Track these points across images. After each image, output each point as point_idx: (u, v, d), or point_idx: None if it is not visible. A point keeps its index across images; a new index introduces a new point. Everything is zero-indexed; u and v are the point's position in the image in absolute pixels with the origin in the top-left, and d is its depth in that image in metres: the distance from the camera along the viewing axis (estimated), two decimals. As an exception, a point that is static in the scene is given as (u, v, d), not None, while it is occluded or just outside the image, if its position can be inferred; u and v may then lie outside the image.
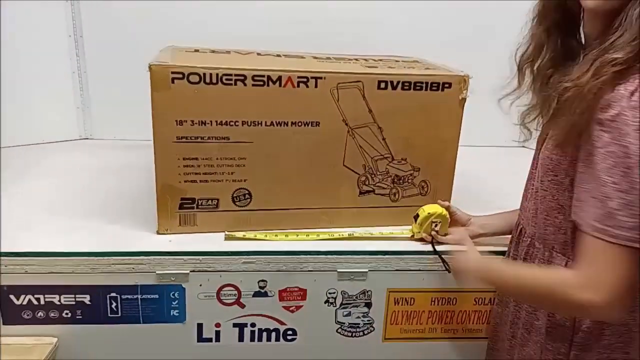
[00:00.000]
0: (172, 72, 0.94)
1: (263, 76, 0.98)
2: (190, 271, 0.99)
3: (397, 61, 1.20)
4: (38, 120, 1.58)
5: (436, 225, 1.03)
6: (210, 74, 0.95)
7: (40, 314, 0.99)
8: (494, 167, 1.58)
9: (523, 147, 1.79)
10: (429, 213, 1.03)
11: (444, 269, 1.00)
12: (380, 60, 1.19)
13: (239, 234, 1.05)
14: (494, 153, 1.71)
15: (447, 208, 1.04)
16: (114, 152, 1.56)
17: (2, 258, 0.94)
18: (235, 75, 0.97)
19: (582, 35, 0.78)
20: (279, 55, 1.15)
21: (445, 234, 1.05)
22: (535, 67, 0.80)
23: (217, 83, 0.96)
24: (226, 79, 0.96)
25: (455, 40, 1.62)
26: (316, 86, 1.00)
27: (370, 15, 1.60)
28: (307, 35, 1.53)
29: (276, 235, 1.06)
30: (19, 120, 1.53)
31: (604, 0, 0.66)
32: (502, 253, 0.99)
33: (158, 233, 1.04)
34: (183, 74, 0.95)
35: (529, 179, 0.88)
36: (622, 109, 0.62)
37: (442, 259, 1.00)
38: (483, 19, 1.62)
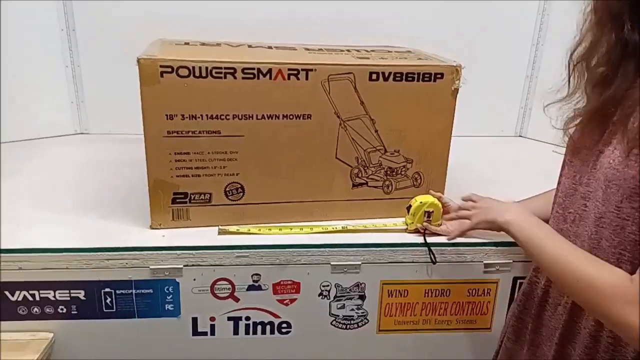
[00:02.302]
0: (161, 66, 0.93)
1: (253, 69, 0.97)
2: (184, 266, 0.99)
3: (389, 52, 1.18)
4: (33, 116, 1.57)
5: (429, 216, 1.03)
6: (200, 67, 0.95)
7: (36, 309, 0.99)
8: (488, 157, 1.58)
9: (520, 136, 1.81)
10: (421, 202, 1.03)
11: (438, 261, 1.01)
12: (373, 51, 1.18)
13: (232, 228, 1.05)
14: (489, 142, 1.71)
15: (439, 199, 1.04)
16: (109, 146, 1.56)
17: (-4, 255, 0.95)
18: (225, 68, 0.96)
19: None
20: (270, 47, 1.14)
21: (440, 224, 1.05)
22: (589, 67, 0.69)
23: (206, 76, 0.95)
24: (216, 72, 0.96)
25: (450, 28, 1.62)
26: (307, 78, 1.00)
27: (369, 7, 1.59)
28: (302, 25, 1.52)
29: (270, 230, 1.06)
30: (14, 115, 1.52)
31: None
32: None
33: (151, 228, 1.04)
34: (172, 67, 0.94)
35: (571, 196, 0.74)
36: None
37: (430, 250, 1.00)
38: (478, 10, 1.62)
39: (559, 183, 0.79)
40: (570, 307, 0.74)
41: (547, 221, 0.81)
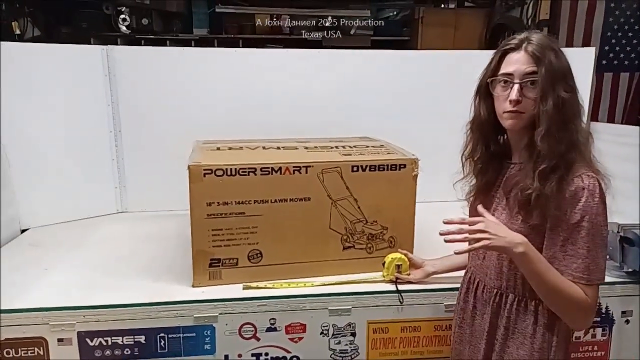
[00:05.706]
0: (204, 169, 1.32)
1: (268, 167, 1.36)
2: (219, 314, 1.33)
3: (367, 147, 1.59)
4: (84, 200, 1.95)
5: (399, 268, 1.39)
6: (231, 169, 1.34)
7: (108, 352, 1.31)
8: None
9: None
10: (392, 258, 1.39)
11: (410, 304, 1.36)
12: (355, 146, 1.58)
13: (254, 284, 1.40)
14: (448, 207, 2.05)
15: (406, 255, 1.40)
16: (145, 222, 1.92)
17: (81, 310, 1.28)
18: (248, 168, 1.35)
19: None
20: (278, 148, 1.54)
21: (408, 274, 1.40)
22: (472, 161, 1.11)
23: (235, 175, 1.34)
24: (242, 171, 1.35)
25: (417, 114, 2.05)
26: (307, 172, 1.39)
27: (351, 103, 2.04)
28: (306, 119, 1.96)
29: (282, 284, 1.40)
30: (70, 200, 1.91)
31: (515, 121, 1.00)
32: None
33: (193, 286, 1.39)
34: (211, 169, 1.33)
35: None
36: (585, 199, 0.95)
37: (399, 294, 1.35)
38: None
39: None
40: (490, 316, 1.11)
41: (461, 268, 1.27)
